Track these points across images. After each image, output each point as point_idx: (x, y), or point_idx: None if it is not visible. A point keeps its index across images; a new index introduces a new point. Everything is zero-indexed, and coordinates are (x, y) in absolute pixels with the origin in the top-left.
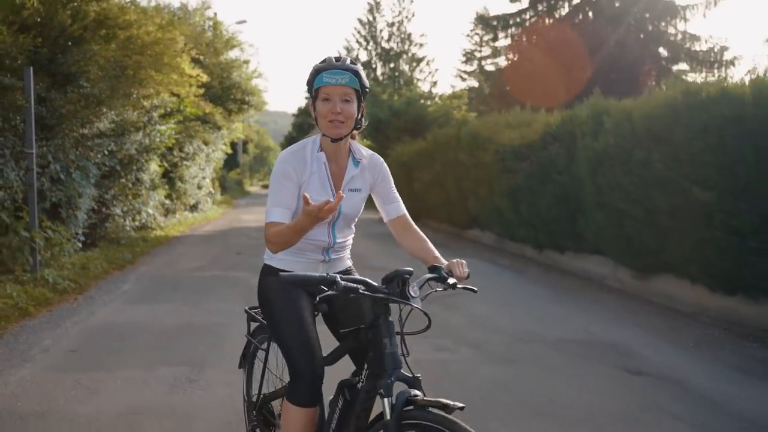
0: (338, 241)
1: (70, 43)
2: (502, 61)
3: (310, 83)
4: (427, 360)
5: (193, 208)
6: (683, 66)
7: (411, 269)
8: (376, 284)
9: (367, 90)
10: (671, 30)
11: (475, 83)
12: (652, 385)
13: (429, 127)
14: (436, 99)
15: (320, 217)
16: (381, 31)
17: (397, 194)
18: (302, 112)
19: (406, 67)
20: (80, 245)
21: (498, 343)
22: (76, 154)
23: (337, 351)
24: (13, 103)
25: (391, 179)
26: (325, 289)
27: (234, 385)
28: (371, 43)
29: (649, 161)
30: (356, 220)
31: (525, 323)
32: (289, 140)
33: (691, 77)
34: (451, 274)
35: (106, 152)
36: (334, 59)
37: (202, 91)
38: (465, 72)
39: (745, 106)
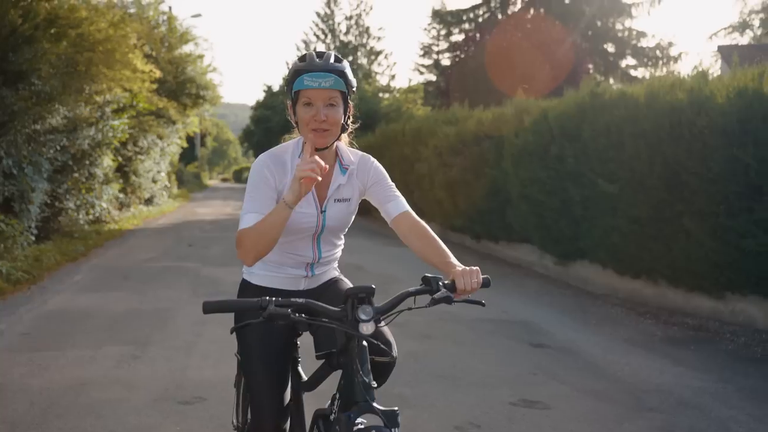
0: (324, 255)
1: (21, 42)
2: (455, 56)
3: (289, 84)
4: None
5: (148, 201)
6: (631, 61)
7: (371, 286)
8: (325, 307)
9: (354, 89)
10: (618, 26)
11: (432, 77)
12: (549, 355)
13: (381, 122)
14: (395, 93)
15: (301, 184)
16: (339, 24)
17: (397, 192)
18: (260, 105)
19: (364, 61)
20: (33, 238)
21: (419, 323)
22: (28, 149)
23: (314, 376)
24: None
25: (387, 177)
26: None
27: (174, 360)
28: (329, 37)
29: (563, 156)
30: (346, 230)
31: (449, 305)
32: (247, 133)
33: (640, 72)
34: (452, 287)
35: (59, 147)
36: (315, 56)
37: (155, 86)
38: (423, 66)
39: (639, 108)
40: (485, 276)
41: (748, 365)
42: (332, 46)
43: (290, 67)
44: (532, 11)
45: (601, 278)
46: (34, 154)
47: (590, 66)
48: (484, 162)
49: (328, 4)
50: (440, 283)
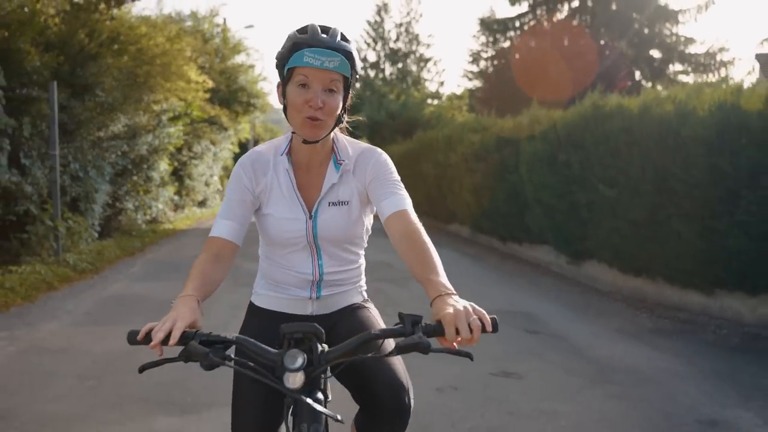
0: (328, 272)
1: (87, 58)
2: (501, 63)
3: (283, 59)
4: None
5: (201, 203)
6: (678, 67)
7: (315, 325)
8: (259, 346)
9: (358, 77)
10: (666, 32)
11: (480, 84)
12: (541, 340)
13: (423, 128)
14: (443, 99)
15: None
16: (389, 31)
17: (400, 188)
18: None
19: (414, 67)
20: (96, 235)
21: (429, 312)
22: (93, 154)
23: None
24: (39, 112)
25: (391, 171)
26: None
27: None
28: (379, 44)
29: (569, 163)
30: (364, 242)
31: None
32: None
33: (690, 78)
34: (434, 330)
35: (120, 153)
36: (319, 30)
37: (208, 95)
38: (471, 72)
39: (633, 119)
40: (493, 316)
41: (721, 353)
42: (382, 54)
43: (286, 39)
44: (577, 19)
45: (607, 276)
46: (98, 159)
47: (636, 72)
48: (504, 168)
49: (378, 12)
50: (419, 325)
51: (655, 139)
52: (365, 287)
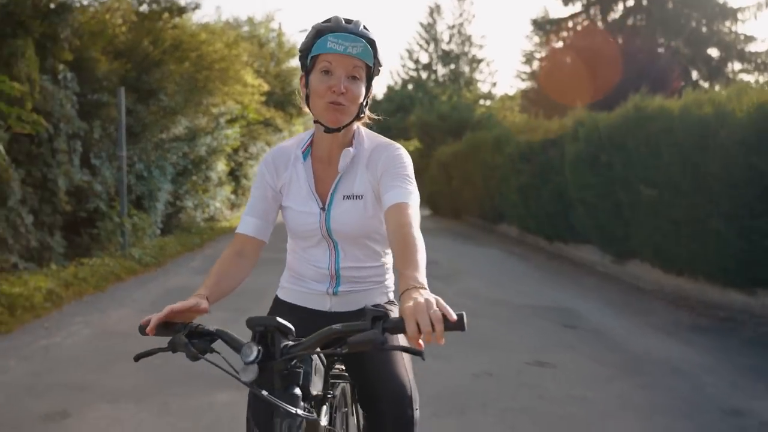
0: (345, 268)
1: (151, 65)
2: (552, 64)
3: (307, 49)
4: None
5: None
6: (738, 66)
7: (276, 318)
8: (235, 339)
9: (381, 68)
10: (724, 30)
11: (534, 84)
12: (576, 334)
13: (473, 130)
14: (495, 99)
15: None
16: (441, 33)
17: (407, 183)
18: None
19: (466, 69)
20: (159, 231)
21: (473, 306)
22: (156, 155)
23: None
24: (108, 116)
25: (403, 165)
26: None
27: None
28: (432, 45)
29: (611, 163)
30: (381, 240)
31: (503, 294)
32: None
33: (752, 77)
34: (396, 326)
35: (181, 154)
36: (342, 20)
37: (263, 98)
38: (524, 73)
39: (674, 121)
40: (460, 312)
41: (757, 349)
42: (435, 55)
43: (309, 30)
44: (632, 19)
45: (650, 275)
46: (161, 160)
47: (693, 71)
48: (550, 168)
49: (431, 14)
50: (380, 321)
51: (695, 140)
52: (393, 288)
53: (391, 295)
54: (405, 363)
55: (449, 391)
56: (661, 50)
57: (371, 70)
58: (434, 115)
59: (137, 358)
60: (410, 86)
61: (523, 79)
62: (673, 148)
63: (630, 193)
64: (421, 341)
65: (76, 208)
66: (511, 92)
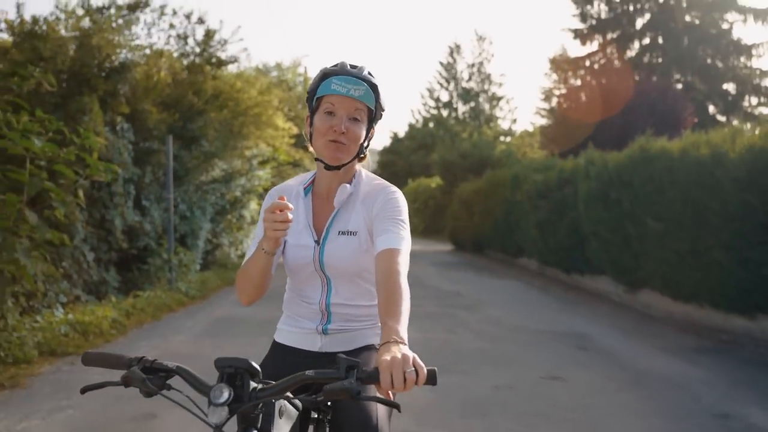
0: (336, 303)
1: (194, 114)
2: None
3: (313, 90)
4: (437, 339)
5: None
6: (754, 101)
7: (247, 360)
8: (197, 379)
9: (383, 112)
10: (740, 65)
11: (552, 121)
12: (589, 355)
13: (493, 167)
14: (515, 136)
15: (270, 228)
16: (461, 72)
17: (400, 227)
18: (386, 151)
19: (486, 106)
20: (199, 267)
21: (493, 331)
22: (196, 197)
23: None
24: (157, 162)
25: (398, 209)
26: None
27: None
28: (452, 84)
29: (620, 200)
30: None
31: (522, 321)
32: None
33: (766, 111)
34: (370, 376)
35: (218, 194)
36: (348, 65)
37: (293, 140)
38: (543, 110)
39: (674, 161)
40: (432, 368)
41: (753, 367)
42: (455, 93)
43: (317, 73)
44: (647, 57)
45: (660, 304)
46: (201, 201)
47: (710, 106)
48: (565, 204)
49: (450, 54)
50: (354, 370)
51: (694, 178)
52: None
53: None
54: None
55: (473, 400)
56: (679, 86)
57: (373, 114)
58: (456, 154)
59: (83, 390)
60: (431, 124)
61: (542, 116)
62: (674, 186)
63: (638, 227)
64: (390, 393)
65: (129, 246)
66: (531, 129)
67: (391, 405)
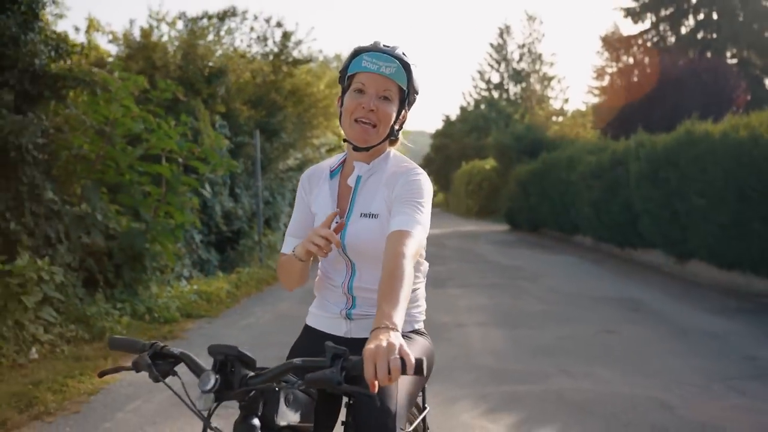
0: (359, 287)
1: (275, 109)
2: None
3: (344, 69)
4: (505, 303)
5: None
6: None
7: (235, 347)
8: (199, 365)
9: (416, 95)
10: None
11: (604, 99)
12: (638, 314)
13: (547, 149)
14: (568, 115)
15: (314, 243)
16: (512, 53)
17: (416, 210)
18: (439, 134)
19: (537, 86)
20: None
21: (554, 298)
22: (276, 183)
23: None
24: (246, 153)
25: (418, 191)
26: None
27: None
28: (502, 65)
29: (668, 179)
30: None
31: (578, 289)
32: (427, 160)
33: None
34: (355, 367)
35: (295, 181)
36: (381, 44)
37: None
38: (596, 88)
39: (716, 144)
40: (419, 358)
41: None
42: (506, 74)
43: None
44: (701, 33)
45: (706, 272)
46: (280, 187)
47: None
48: (617, 184)
49: (501, 35)
50: (340, 359)
51: (734, 158)
52: (419, 317)
53: (418, 325)
54: (404, 380)
55: (542, 347)
56: (734, 61)
57: (405, 95)
58: (510, 137)
59: (101, 374)
60: (483, 106)
61: (594, 95)
62: (716, 165)
63: (685, 203)
64: (375, 383)
65: (226, 230)
66: (583, 108)
67: (367, 396)
